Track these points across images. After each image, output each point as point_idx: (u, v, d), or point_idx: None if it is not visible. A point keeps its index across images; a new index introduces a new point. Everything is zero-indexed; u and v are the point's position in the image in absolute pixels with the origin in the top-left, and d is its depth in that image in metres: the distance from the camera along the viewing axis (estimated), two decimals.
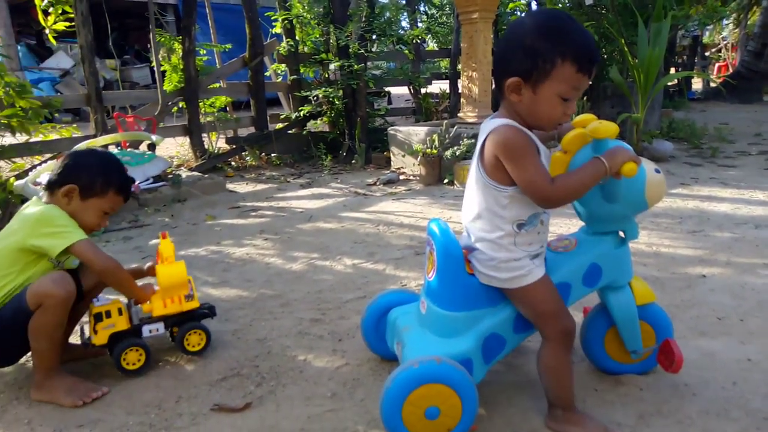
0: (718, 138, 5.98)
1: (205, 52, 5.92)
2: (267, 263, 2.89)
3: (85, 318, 1.99)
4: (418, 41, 7.16)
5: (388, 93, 8.26)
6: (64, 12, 4.37)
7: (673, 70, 9.97)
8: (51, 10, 4.34)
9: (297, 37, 6.13)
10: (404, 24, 8.03)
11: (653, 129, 5.74)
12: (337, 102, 5.83)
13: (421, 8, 9.53)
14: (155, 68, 5.40)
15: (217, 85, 5.93)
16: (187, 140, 5.67)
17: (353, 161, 5.68)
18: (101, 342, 1.78)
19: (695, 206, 3.60)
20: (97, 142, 4.01)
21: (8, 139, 4.19)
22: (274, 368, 1.84)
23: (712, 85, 11.03)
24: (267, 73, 6.34)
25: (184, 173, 4.77)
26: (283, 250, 3.10)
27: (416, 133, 4.94)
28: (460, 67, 5.47)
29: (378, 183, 4.78)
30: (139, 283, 1.92)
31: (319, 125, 6.36)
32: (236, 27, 6.80)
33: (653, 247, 2.85)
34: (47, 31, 4.41)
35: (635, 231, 1.54)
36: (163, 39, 5.55)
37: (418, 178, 4.80)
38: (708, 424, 1.47)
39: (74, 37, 4.62)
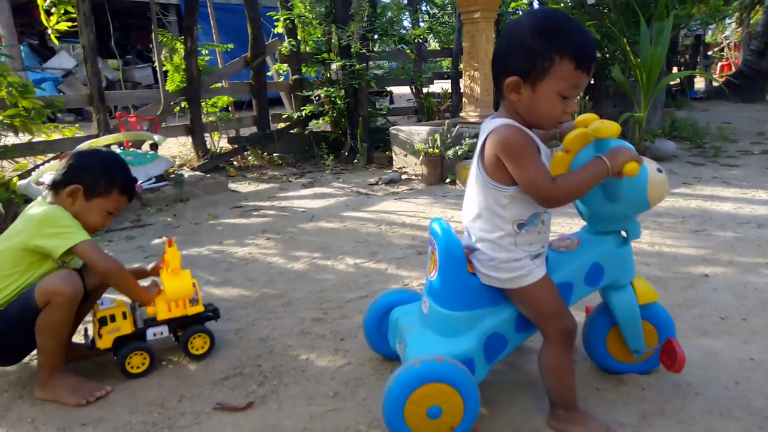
0: (721, 137, 5.97)
1: (207, 51, 5.92)
2: (269, 263, 2.89)
3: (88, 318, 1.99)
4: (420, 41, 7.16)
5: (390, 92, 8.27)
6: (66, 12, 4.38)
7: (675, 70, 9.95)
8: (53, 10, 4.35)
9: (299, 37, 6.13)
10: (406, 23, 8.04)
11: (655, 128, 5.73)
12: (338, 102, 5.84)
13: (423, 8, 9.52)
14: (157, 68, 5.41)
15: (219, 84, 5.94)
16: (189, 140, 5.68)
17: (355, 161, 5.68)
18: (106, 346, 1.79)
19: (698, 205, 3.60)
20: (100, 142, 4.02)
21: (11, 139, 4.20)
22: (277, 367, 1.85)
23: (715, 84, 11.01)
24: (269, 73, 6.35)
25: (186, 173, 4.78)
26: (285, 249, 3.10)
27: (418, 132, 4.95)
28: (461, 66, 5.46)
29: (380, 182, 4.78)
30: (143, 283, 1.93)
31: (321, 125, 6.36)
32: (238, 27, 6.81)
33: (655, 247, 2.84)
34: (50, 31, 4.42)
35: (637, 230, 1.54)
36: (165, 39, 5.56)
37: (420, 177, 4.80)
38: (710, 423, 1.47)
39: (77, 37, 4.63)
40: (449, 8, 10.01)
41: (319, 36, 6.10)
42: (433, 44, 10.85)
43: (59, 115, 6.49)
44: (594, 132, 1.38)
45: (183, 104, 5.50)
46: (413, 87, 7.10)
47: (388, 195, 4.35)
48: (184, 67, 5.36)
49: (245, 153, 5.83)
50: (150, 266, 1.99)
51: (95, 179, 1.78)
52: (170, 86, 5.47)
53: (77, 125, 4.89)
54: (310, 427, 1.53)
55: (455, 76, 6.91)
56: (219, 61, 6.45)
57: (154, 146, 4.40)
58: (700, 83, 12.44)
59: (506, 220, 1.40)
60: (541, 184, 1.31)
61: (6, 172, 4.17)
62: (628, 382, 1.64)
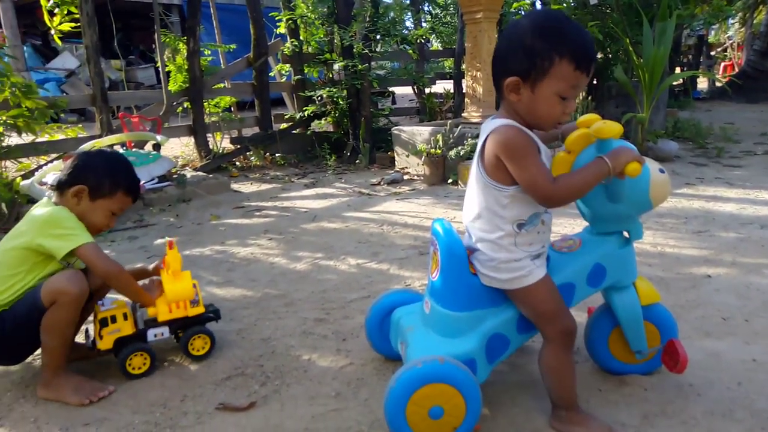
0: (724, 138, 5.95)
1: (209, 52, 5.94)
2: (271, 263, 2.89)
3: (90, 318, 2.00)
4: (422, 41, 7.15)
5: (392, 93, 8.26)
6: (69, 12, 4.39)
7: (678, 70, 9.92)
8: (56, 10, 4.36)
9: (301, 38, 6.14)
10: (408, 24, 8.04)
11: (658, 129, 5.72)
12: (341, 102, 5.84)
13: (425, 8, 9.53)
14: (160, 68, 5.41)
15: (222, 85, 5.95)
16: (191, 140, 5.69)
17: (357, 161, 5.68)
18: (106, 347, 1.80)
19: (700, 206, 3.59)
20: (103, 142, 4.03)
21: (14, 139, 4.21)
22: (279, 368, 1.85)
23: (718, 84, 10.98)
24: (271, 74, 6.35)
25: (188, 173, 4.79)
26: (288, 249, 3.11)
27: (420, 132, 4.95)
28: (464, 66, 5.47)
29: (382, 183, 4.78)
30: (144, 282, 1.93)
31: (323, 125, 6.36)
32: (241, 27, 6.82)
33: (658, 247, 2.84)
34: (53, 31, 4.43)
35: (640, 231, 1.54)
36: (167, 39, 5.57)
37: (422, 177, 4.80)
38: (713, 424, 1.47)
39: (80, 38, 4.65)
40: (451, 8, 10.01)
41: (322, 36, 6.10)
42: (436, 44, 10.86)
43: (62, 115, 6.50)
44: (596, 132, 1.38)
45: (186, 105, 5.51)
46: (415, 87, 7.10)
47: (390, 195, 4.35)
48: (186, 67, 5.37)
49: (248, 153, 5.84)
50: (151, 266, 2.00)
51: (100, 180, 1.78)
52: (173, 87, 5.49)
53: (80, 125, 4.91)
54: (312, 428, 1.53)
55: (457, 77, 6.91)
56: (221, 61, 6.46)
57: (157, 146, 4.40)
58: (703, 83, 12.42)
59: (506, 220, 1.40)
60: (542, 184, 1.31)
61: (9, 173, 4.18)
62: (630, 383, 1.64)
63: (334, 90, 5.78)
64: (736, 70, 12.18)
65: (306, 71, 6.27)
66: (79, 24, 4.44)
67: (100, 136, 4.47)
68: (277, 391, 1.71)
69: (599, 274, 1.53)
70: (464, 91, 5.60)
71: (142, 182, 3.74)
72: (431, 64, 8.47)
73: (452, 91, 7.21)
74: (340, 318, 2.20)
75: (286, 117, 6.38)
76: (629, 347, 1.61)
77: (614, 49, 6.15)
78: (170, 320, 1.87)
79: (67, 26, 4.39)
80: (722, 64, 14.18)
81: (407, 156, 5.14)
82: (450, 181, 4.58)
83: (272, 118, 6.16)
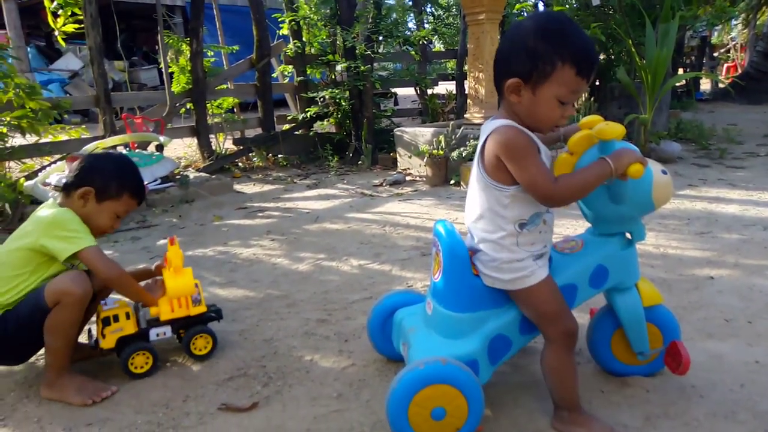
0: (727, 139, 5.94)
1: (212, 53, 5.95)
2: (274, 264, 2.90)
3: (92, 318, 2.01)
4: (425, 42, 7.16)
5: (395, 94, 8.26)
6: (73, 14, 4.41)
7: (681, 71, 9.91)
8: (60, 12, 4.38)
9: (304, 39, 6.15)
10: (411, 25, 8.03)
11: (661, 130, 5.71)
12: (343, 103, 5.85)
13: (428, 9, 9.53)
14: (163, 70, 5.43)
15: (225, 86, 5.96)
16: (194, 141, 5.71)
17: (360, 162, 5.69)
18: (109, 346, 1.80)
19: (703, 207, 3.59)
20: (106, 143, 4.05)
21: (18, 140, 4.23)
22: (281, 368, 1.85)
23: (721, 85, 10.96)
24: (274, 75, 6.37)
25: (191, 174, 4.80)
26: (290, 250, 3.11)
27: (423, 134, 4.95)
28: (466, 68, 5.47)
29: (384, 184, 4.78)
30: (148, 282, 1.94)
31: (325, 126, 6.37)
32: (243, 28, 6.83)
33: (660, 249, 2.84)
34: (56, 32, 4.45)
35: (642, 232, 1.54)
36: (171, 41, 5.59)
37: (424, 179, 4.80)
38: (715, 426, 1.47)
39: (83, 39, 4.66)
40: (454, 10, 10.01)
41: (324, 37, 6.11)
42: (438, 46, 10.86)
43: (66, 116, 6.52)
44: (598, 134, 1.38)
45: (188, 106, 5.53)
46: (418, 88, 7.10)
47: (392, 196, 4.36)
48: (189, 68, 5.38)
49: (250, 154, 5.85)
50: (154, 266, 2.00)
51: (107, 182, 1.79)
52: (176, 88, 5.50)
53: (84, 126, 4.92)
54: (314, 428, 1.53)
55: (460, 78, 6.91)
56: (224, 62, 6.47)
57: (160, 147, 4.41)
58: (705, 85, 12.40)
59: (508, 220, 1.40)
60: (543, 184, 1.32)
61: (13, 173, 4.20)
62: (632, 385, 1.64)
63: (337, 91, 5.79)
64: (739, 71, 12.18)
65: (308, 72, 6.28)
66: (82, 25, 4.46)
67: (103, 137, 4.49)
68: (279, 392, 1.71)
69: (601, 276, 1.53)
70: (466, 92, 5.61)
71: (145, 183, 3.75)
72: (433, 65, 8.47)
73: (454, 92, 7.21)
74: (342, 319, 2.20)
75: (289, 118, 6.39)
76: (631, 349, 1.61)
77: (617, 50, 6.15)
78: (172, 320, 1.87)
79: (70, 27, 4.41)
80: (725, 65, 14.17)
81: (409, 157, 5.14)
82: (452, 182, 4.58)
83: (275, 119, 6.16)
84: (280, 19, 6.14)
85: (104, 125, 4.74)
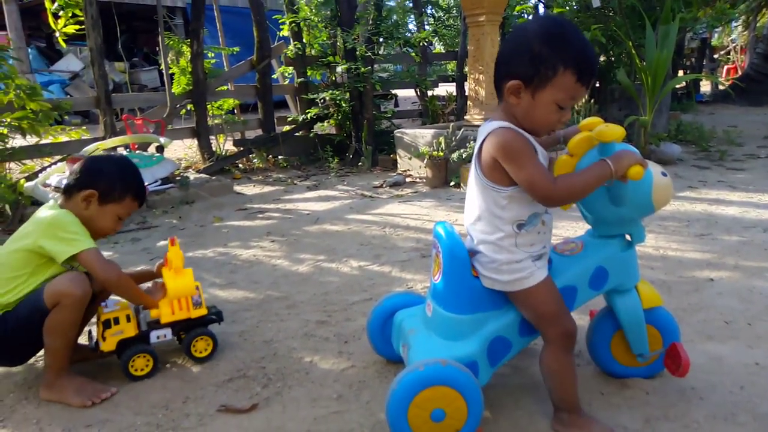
0: (727, 141, 5.94)
1: (213, 54, 5.95)
2: (274, 265, 2.90)
3: (93, 320, 2.01)
4: (425, 44, 7.16)
5: (395, 95, 8.27)
6: (74, 15, 4.42)
7: (681, 73, 9.92)
8: (61, 13, 4.39)
9: (304, 40, 6.15)
10: (411, 27, 8.04)
11: (661, 132, 5.71)
12: (343, 104, 5.85)
13: (428, 11, 9.54)
14: (164, 71, 5.44)
15: (225, 87, 5.96)
16: (195, 142, 5.71)
17: (360, 163, 5.69)
18: (109, 348, 1.80)
19: (703, 209, 3.59)
20: (107, 145, 4.05)
21: (18, 141, 4.23)
22: (281, 370, 1.85)
23: (721, 87, 10.97)
24: (274, 76, 6.37)
25: (191, 175, 4.80)
26: (290, 252, 3.11)
27: (423, 135, 4.95)
28: (466, 69, 5.48)
29: (384, 185, 4.78)
30: (148, 285, 1.94)
31: (325, 128, 6.38)
32: (244, 30, 6.84)
33: (660, 251, 2.84)
34: (57, 34, 4.46)
35: (642, 234, 1.54)
36: (171, 42, 5.59)
37: (424, 180, 4.80)
38: (715, 428, 1.47)
39: (84, 40, 4.67)
40: (454, 11, 10.02)
41: (325, 39, 6.12)
42: (438, 47, 10.87)
43: (66, 117, 6.54)
44: (598, 135, 1.38)
45: (189, 107, 5.53)
46: (418, 90, 7.11)
47: (392, 198, 4.36)
48: (190, 69, 5.39)
49: (250, 155, 5.85)
50: (156, 266, 2.00)
51: (110, 185, 1.79)
52: (176, 89, 5.50)
53: (84, 127, 4.93)
54: (313, 430, 1.53)
55: (460, 79, 6.91)
56: (225, 64, 6.48)
57: (160, 149, 4.42)
58: (705, 86, 12.40)
59: (506, 221, 1.41)
60: (541, 183, 1.32)
61: (13, 174, 4.20)
62: (632, 386, 1.64)
63: (337, 92, 5.79)
64: (740, 73, 12.18)
65: (309, 74, 6.29)
66: (83, 26, 4.47)
67: (103, 138, 4.49)
68: (279, 393, 1.71)
69: (601, 277, 1.53)
70: (467, 93, 5.61)
71: (145, 184, 3.75)
72: (434, 66, 8.48)
73: (455, 93, 7.22)
74: (342, 320, 2.20)
75: (289, 119, 6.40)
76: (631, 350, 1.61)
77: (617, 52, 6.16)
78: (173, 322, 1.87)
79: (71, 29, 4.42)
80: (725, 67, 14.17)
81: (410, 158, 5.14)
82: (452, 183, 4.59)
83: (275, 120, 6.17)
84: (280, 21, 6.15)
85: (105, 126, 4.74)
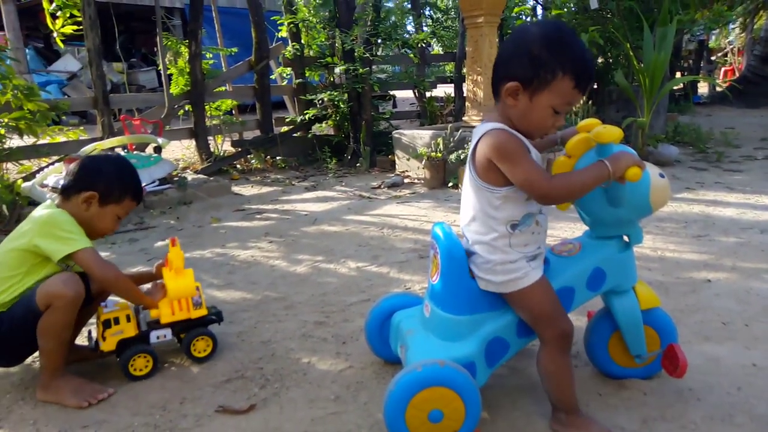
0: (724, 142, 5.96)
1: (211, 55, 5.95)
2: (271, 266, 2.90)
3: (92, 320, 2.00)
4: (423, 45, 7.17)
5: (393, 96, 8.28)
6: (72, 15, 4.41)
7: (678, 75, 9.94)
8: (59, 13, 4.38)
9: (303, 41, 6.16)
10: (409, 28, 8.05)
11: (658, 133, 5.73)
12: (342, 105, 5.85)
13: (427, 12, 9.55)
14: (162, 71, 5.43)
15: (223, 88, 5.96)
16: (192, 143, 5.70)
17: (358, 164, 5.69)
18: (109, 348, 1.80)
19: (700, 211, 3.59)
20: (104, 145, 4.04)
21: (16, 142, 4.22)
22: (278, 371, 1.85)
23: (718, 89, 10.99)
24: (272, 77, 6.37)
25: (189, 176, 4.80)
26: (288, 252, 3.11)
27: (421, 136, 4.96)
28: (465, 71, 5.48)
29: (382, 186, 4.78)
30: (148, 286, 1.94)
31: (324, 128, 6.38)
32: (242, 31, 6.84)
33: (658, 252, 2.84)
34: (55, 34, 4.45)
35: (639, 235, 1.55)
36: (169, 42, 5.59)
37: (422, 181, 4.80)
38: (712, 429, 1.47)
39: (82, 41, 4.66)
40: (452, 13, 10.04)
41: (323, 40, 6.12)
42: (437, 48, 10.88)
43: (64, 117, 6.52)
44: (596, 137, 1.39)
45: (187, 107, 5.53)
46: (416, 91, 7.12)
47: (390, 199, 4.36)
48: (188, 70, 5.39)
49: (248, 156, 5.84)
50: (155, 265, 2.00)
51: (110, 186, 1.79)
52: (174, 89, 5.50)
53: (82, 128, 4.92)
54: (311, 431, 1.53)
55: (458, 81, 6.92)
56: (223, 64, 6.48)
57: (158, 149, 4.41)
58: (703, 88, 12.43)
59: (499, 222, 1.41)
60: (538, 181, 1.32)
61: (10, 175, 4.19)
62: (629, 387, 1.64)
63: (335, 93, 5.79)
64: (737, 75, 12.20)
65: (307, 75, 6.29)
66: (81, 27, 4.46)
67: (101, 139, 4.49)
68: (277, 394, 1.71)
69: (599, 278, 1.53)
70: (465, 95, 5.61)
71: (143, 185, 3.75)
72: (432, 68, 8.48)
73: (453, 95, 7.23)
74: (340, 321, 2.20)
75: (287, 120, 6.40)
76: (629, 351, 1.61)
77: (615, 53, 6.17)
78: (173, 322, 1.87)
79: (69, 29, 4.40)
80: (723, 68, 14.21)
81: (408, 159, 5.15)
82: (450, 184, 4.59)
83: (273, 121, 6.17)
84: (279, 22, 6.15)
85: (102, 127, 4.74)
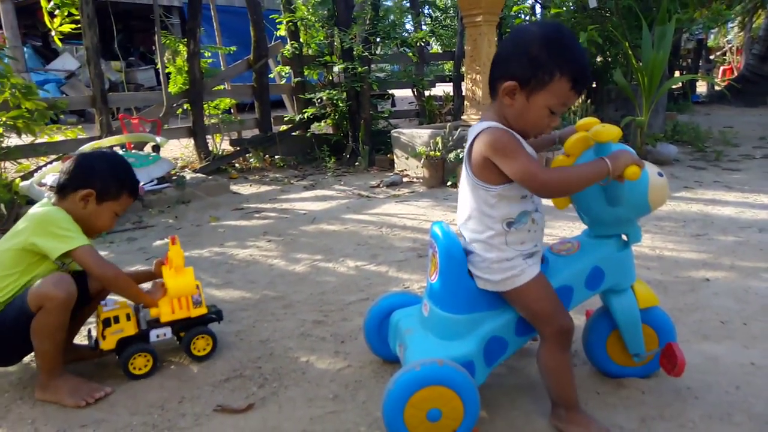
0: (723, 141, 5.97)
1: (209, 54, 5.94)
2: (270, 265, 2.89)
3: (92, 319, 2.00)
4: (422, 44, 7.16)
5: (392, 95, 8.26)
6: (70, 14, 4.40)
7: (677, 74, 9.95)
8: (57, 12, 4.37)
9: (301, 40, 6.15)
10: (408, 27, 8.05)
11: (657, 132, 5.73)
12: (340, 104, 5.85)
13: (425, 11, 9.55)
14: (160, 70, 5.42)
15: (222, 87, 5.95)
16: (191, 142, 5.69)
17: (357, 163, 5.69)
18: (109, 347, 1.80)
19: (699, 209, 3.60)
20: (103, 144, 4.03)
21: (14, 140, 4.21)
22: (277, 370, 1.85)
23: (717, 88, 11.00)
24: (271, 75, 6.36)
25: (188, 175, 4.79)
26: (287, 251, 3.11)
27: (420, 135, 4.95)
28: (463, 69, 5.48)
29: (381, 185, 4.78)
30: (148, 285, 1.93)
31: (322, 127, 6.37)
32: (241, 29, 6.84)
33: (656, 251, 2.84)
34: (53, 32, 4.44)
35: (638, 234, 1.55)
36: (168, 41, 5.58)
37: (421, 180, 4.80)
38: (710, 428, 1.47)
39: (80, 39, 4.65)
40: (451, 11, 10.04)
41: (322, 39, 6.11)
42: (435, 47, 10.88)
43: (62, 116, 6.52)
44: (595, 136, 1.39)
45: (185, 106, 5.52)
46: (415, 90, 7.11)
47: (389, 198, 4.36)
48: (186, 69, 5.38)
49: (247, 155, 5.84)
50: (154, 263, 1.99)
51: (107, 183, 1.79)
52: (173, 88, 5.49)
53: (80, 127, 4.91)
54: (309, 430, 1.53)
55: (457, 79, 6.92)
56: (221, 63, 6.47)
57: (157, 148, 4.40)
58: (702, 87, 12.44)
59: (495, 220, 1.42)
60: (535, 172, 1.32)
61: (8, 173, 4.18)
62: (628, 386, 1.64)
63: (334, 92, 5.79)
64: (735, 74, 12.21)
65: (306, 73, 6.28)
66: (79, 25, 4.45)
67: (99, 138, 4.47)
68: (275, 393, 1.71)
69: (597, 277, 1.53)
70: (464, 93, 5.61)
71: (141, 184, 3.74)
72: (431, 66, 8.49)
73: (452, 93, 7.22)
74: (339, 320, 2.20)
75: (286, 119, 6.39)
76: (627, 350, 1.61)
77: (614, 52, 6.17)
78: (173, 321, 1.87)
79: (67, 27, 4.39)
80: (721, 67, 14.22)
81: (406, 158, 5.15)
82: (449, 183, 4.59)
83: (272, 120, 6.16)
84: (277, 20, 6.14)
85: (101, 126, 4.73)
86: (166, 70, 5.49)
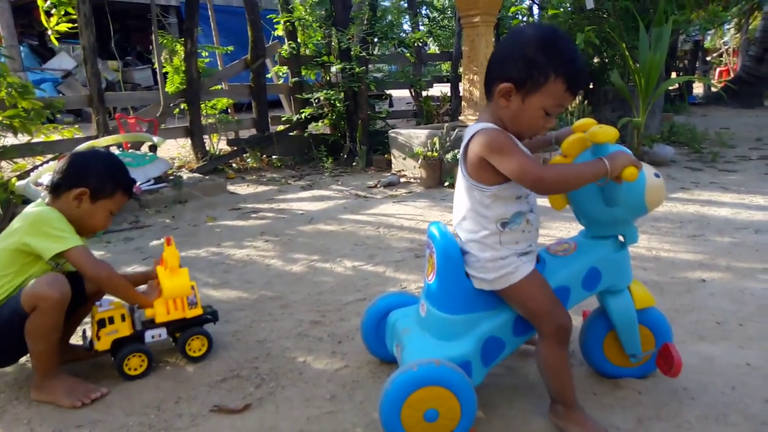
0: (719, 143, 5.98)
1: (207, 54, 5.93)
2: (267, 265, 2.89)
3: (87, 319, 1.99)
4: (420, 44, 7.17)
5: (390, 96, 8.27)
6: (66, 13, 4.38)
7: (674, 75, 9.98)
8: (54, 11, 4.35)
9: (299, 40, 6.14)
10: (406, 27, 8.05)
11: (654, 133, 5.75)
12: (338, 104, 5.84)
13: (423, 11, 9.55)
14: (157, 70, 5.41)
15: (219, 87, 5.94)
16: (188, 142, 5.68)
17: (354, 164, 5.69)
18: (104, 348, 1.79)
19: (695, 210, 3.61)
20: (99, 143, 4.03)
21: (10, 140, 4.20)
22: (274, 370, 1.85)
23: (713, 89, 11.04)
24: (268, 75, 6.36)
25: (185, 175, 4.78)
26: (284, 251, 3.10)
27: (417, 135, 4.95)
28: (461, 70, 5.48)
29: (378, 185, 4.78)
30: (144, 287, 1.93)
31: (320, 127, 6.37)
32: (238, 29, 6.82)
33: (653, 252, 2.85)
34: (50, 32, 4.43)
35: (635, 235, 1.55)
36: (165, 41, 5.56)
37: (418, 180, 4.80)
38: (707, 428, 1.48)
39: (76, 38, 4.64)
40: (449, 12, 10.04)
41: (319, 39, 6.11)
42: (433, 48, 10.87)
43: (58, 116, 6.48)
44: (592, 137, 1.39)
45: (182, 106, 5.51)
46: (413, 90, 7.11)
47: (386, 198, 4.36)
48: (183, 68, 5.37)
49: (244, 155, 5.83)
50: (154, 262, 1.99)
51: (101, 182, 1.78)
52: (170, 88, 5.48)
53: (76, 126, 4.90)
54: (306, 430, 1.53)
55: (454, 80, 6.93)
56: (219, 63, 6.46)
57: (153, 148, 4.40)
58: (698, 88, 12.47)
59: (490, 220, 1.42)
60: (532, 169, 1.33)
61: (5, 173, 4.17)
62: (624, 387, 1.65)
63: (332, 92, 5.79)
64: (732, 75, 12.25)
65: (303, 73, 6.27)
66: (76, 25, 4.43)
67: (96, 137, 4.46)
68: (272, 393, 1.71)
69: (594, 278, 1.53)
70: (461, 94, 5.61)
71: (138, 183, 3.74)
72: (428, 67, 8.48)
73: (449, 94, 7.23)
74: (336, 320, 2.20)
75: (283, 119, 6.38)
76: (624, 351, 1.61)
77: (610, 53, 6.18)
78: (168, 321, 1.87)
79: (64, 27, 4.38)
80: (718, 69, 14.24)
81: (404, 159, 5.15)
82: (446, 183, 4.59)
83: (269, 120, 6.16)
84: (275, 20, 6.14)
85: (97, 125, 4.71)
86: (163, 70, 5.48)
